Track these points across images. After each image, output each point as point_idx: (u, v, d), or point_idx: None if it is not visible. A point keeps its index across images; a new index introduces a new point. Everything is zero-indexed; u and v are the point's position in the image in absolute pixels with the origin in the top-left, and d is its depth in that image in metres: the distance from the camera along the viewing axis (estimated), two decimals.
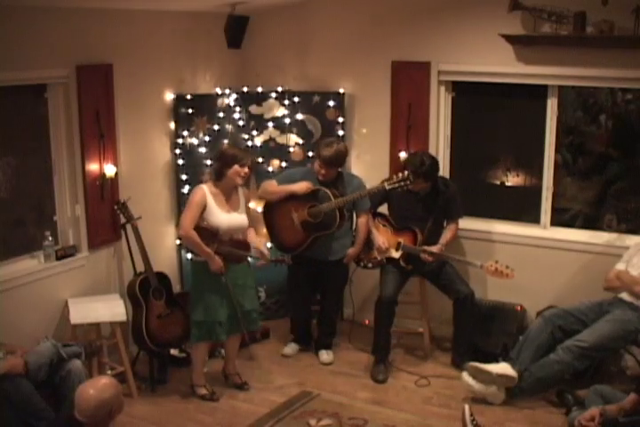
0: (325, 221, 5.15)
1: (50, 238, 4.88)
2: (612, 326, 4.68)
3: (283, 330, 5.84)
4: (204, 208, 4.67)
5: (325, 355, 5.51)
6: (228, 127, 5.91)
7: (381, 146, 5.80)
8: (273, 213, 5.33)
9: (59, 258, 4.92)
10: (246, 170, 4.70)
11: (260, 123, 6.02)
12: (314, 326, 5.71)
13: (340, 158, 5.17)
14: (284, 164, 5.95)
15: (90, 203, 5.04)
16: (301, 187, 5.18)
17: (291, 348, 5.67)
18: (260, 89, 5.97)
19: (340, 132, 5.91)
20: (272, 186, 5.29)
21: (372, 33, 5.75)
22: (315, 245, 5.25)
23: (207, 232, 4.67)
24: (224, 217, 4.71)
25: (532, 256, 5.50)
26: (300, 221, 5.24)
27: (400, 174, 5.02)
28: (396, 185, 5.02)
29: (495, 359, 5.01)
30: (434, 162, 5.17)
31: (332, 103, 5.88)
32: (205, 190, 4.72)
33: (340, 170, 5.27)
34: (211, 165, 5.77)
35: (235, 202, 4.80)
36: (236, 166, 4.67)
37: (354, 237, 5.42)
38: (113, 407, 3.19)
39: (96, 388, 3.18)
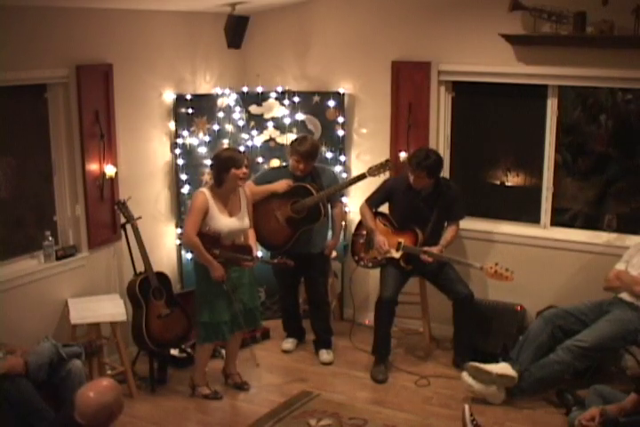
0: (310, 215, 5.26)
1: (50, 238, 4.88)
2: (612, 326, 4.68)
3: (283, 330, 5.83)
4: (205, 213, 4.67)
5: (326, 354, 5.51)
6: (228, 127, 5.91)
7: (381, 146, 5.80)
8: (255, 213, 5.34)
9: (59, 258, 4.92)
10: (244, 170, 4.69)
11: (259, 123, 6.02)
12: (309, 325, 5.70)
13: (316, 151, 5.31)
14: (284, 163, 5.95)
15: (90, 203, 5.04)
16: (282, 185, 5.26)
17: (289, 342, 5.70)
18: (260, 89, 5.98)
19: (340, 132, 5.91)
20: (251, 187, 5.31)
21: (372, 33, 5.75)
22: (297, 239, 5.33)
23: (209, 238, 4.66)
24: (225, 221, 4.70)
25: (532, 256, 5.50)
26: (284, 219, 5.31)
27: (380, 162, 5.20)
28: (376, 172, 5.20)
29: (495, 359, 5.00)
30: (439, 158, 5.18)
31: (332, 103, 5.88)
32: (206, 195, 4.70)
33: (314, 165, 5.36)
34: (211, 165, 5.78)
35: (235, 205, 4.80)
36: (233, 170, 4.65)
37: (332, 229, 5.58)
38: (113, 410, 3.18)
39: (96, 391, 3.17)
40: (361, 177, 5.28)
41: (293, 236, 5.32)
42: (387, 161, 5.24)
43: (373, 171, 5.22)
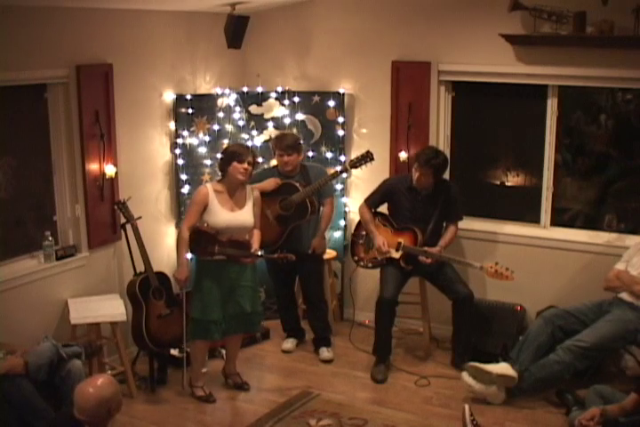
0: (298, 211, 5.26)
1: (50, 238, 4.88)
2: (612, 326, 4.68)
3: (282, 330, 5.82)
4: (205, 207, 4.69)
5: (326, 352, 5.50)
6: (228, 127, 5.91)
7: (381, 146, 5.80)
8: None
9: (59, 258, 4.92)
10: (246, 166, 4.70)
11: (259, 123, 6.02)
12: (307, 325, 5.70)
13: (298, 142, 5.34)
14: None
15: (90, 203, 5.04)
16: (270, 183, 5.27)
17: (289, 342, 5.70)
18: (260, 89, 5.98)
19: (340, 132, 5.91)
20: None
21: (371, 33, 5.75)
22: (289, 238, 5.34)
23: (207, 236, 4.66)
24: (224, 216, 4.70)
25: (532, 256, 5.50)
26: (274, 217, 5.32)
27: (361, 153, 5.24)
28: (357, 164, 5.24)
29: (495, 359, 5.00)
30: (446, 158, 5.23)
31: (332, 103, 5.88)
32: (209, 189, 4.73)
33: (303, 163, 5.41)
34: (211, 164, 5.79)
35: (240, 200, 4.80)
36: (234, 163, 4.68)
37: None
38: (112, 406, 3.18)
39: (95, 386, 3.17)
40: (343, 170, 5.33)
41: (284, 233, 5.33)
42: (367, 152, 5.23)
43: (355, 163, 5.26)
